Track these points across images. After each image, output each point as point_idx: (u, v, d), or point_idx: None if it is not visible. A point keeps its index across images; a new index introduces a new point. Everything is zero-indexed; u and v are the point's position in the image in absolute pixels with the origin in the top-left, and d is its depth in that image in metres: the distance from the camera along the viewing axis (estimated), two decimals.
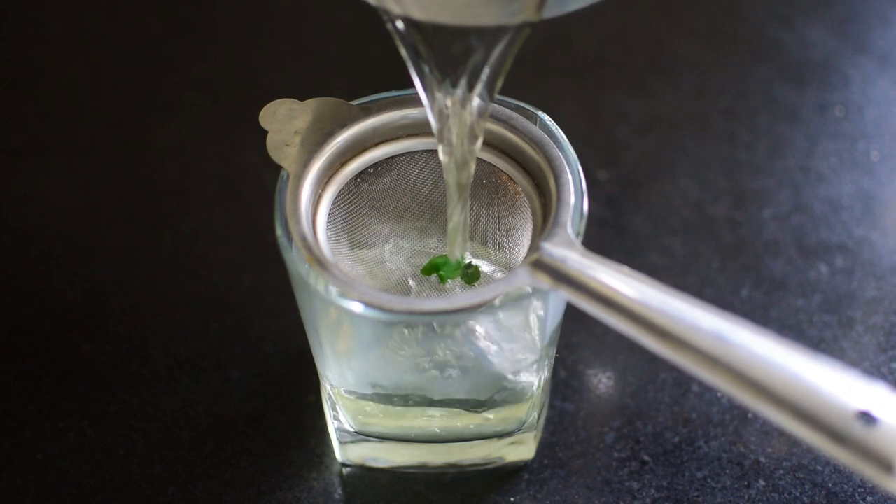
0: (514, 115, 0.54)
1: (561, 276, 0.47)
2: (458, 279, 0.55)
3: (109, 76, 0.80)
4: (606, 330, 0.66)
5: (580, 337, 0.66)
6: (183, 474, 0.61)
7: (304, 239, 0.50)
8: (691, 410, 0.63)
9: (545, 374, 0.57)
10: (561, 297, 0.48)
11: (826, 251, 0.70)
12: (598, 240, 0.70)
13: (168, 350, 0.66)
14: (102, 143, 0.76)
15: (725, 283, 0.68)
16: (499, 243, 0.55)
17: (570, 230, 0.49)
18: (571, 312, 0.56)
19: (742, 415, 0.63)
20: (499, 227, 0.55)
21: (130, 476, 0.61)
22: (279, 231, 0.51)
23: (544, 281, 0.48)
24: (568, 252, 0.48)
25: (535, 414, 0.59)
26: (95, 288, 0.68)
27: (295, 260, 0.51)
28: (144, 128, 0.77)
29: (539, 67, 0.80)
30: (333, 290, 0.54)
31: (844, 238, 0.70)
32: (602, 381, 0.64)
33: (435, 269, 0.55)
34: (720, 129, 0.76)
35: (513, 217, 0.55)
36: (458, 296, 0.50)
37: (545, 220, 0.52)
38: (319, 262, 0.50)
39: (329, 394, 0.58)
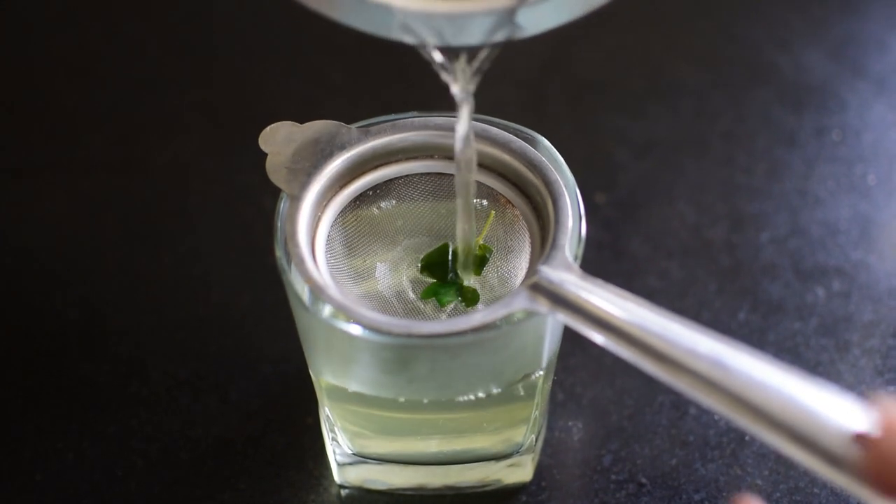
0: (512, 138, 0.54)
1: (559, 300, 0.48)
2: (458, 302, 0.55)
3: (110, 97, 0.80)
4: (604, 352, 0.66)
5: (578, 359, 0.66)
6: (182, 495, 0.61)
7: (302, 261, 0.51)
8: (689, 433, 0.63)
9: (543, 396, 0.57)
10: (559, 320, 0.48)
11: (823, 274, 0.70)
12: (597, 263, 0.70)
13: (167, 371, 0.66)
14: (102, 164, 0.76)
15: (723, 307, 0.68)
16: (497, 267, 0.55)
17: (568, 253, 0.50)
18: (569, 335, 0.56)
19: (739, 437, 0.63)
20: (497, 251, 0.56)
21: (129, 497, 0.61)
22: (279, 253, 0.51)
23: (542, 304, 0.48)
24: (566, 275, 0.48)
25: (533, 436, 0.59)
26: (95, 308, 0.68)
27: (294, 282, 0.51)
28: (144, 148, 0.77)
29: (537, 91, 0.80)
30: (332, 312, 0.54)
31: (841, 261, 0.71)
32: (599, 404, 0.64)
33: (434, 293, 0.55)
34: (718, 153, 0.77)
35: (511, 240, 0.55)
36: (456, 319, 0.50)
37: (543, 244, 0.52)
38: (318, 284, 0.50)
39: (327, 415, 0.58)
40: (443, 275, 0.55)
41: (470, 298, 0.55)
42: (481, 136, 0.54)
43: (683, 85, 0.81)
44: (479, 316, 0.49)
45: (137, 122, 0.78)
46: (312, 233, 0.53)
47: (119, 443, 0.63)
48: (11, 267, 0.71)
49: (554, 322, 0.52)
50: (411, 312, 0.55)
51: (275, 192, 0.53)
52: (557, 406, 0.64)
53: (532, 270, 0.49)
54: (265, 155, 0.53)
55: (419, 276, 0.56)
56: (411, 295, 0.55)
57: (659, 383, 0.65)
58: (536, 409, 0.57)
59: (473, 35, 0.47)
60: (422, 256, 0.56)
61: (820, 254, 0.71)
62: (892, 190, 0.74)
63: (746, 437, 0.63)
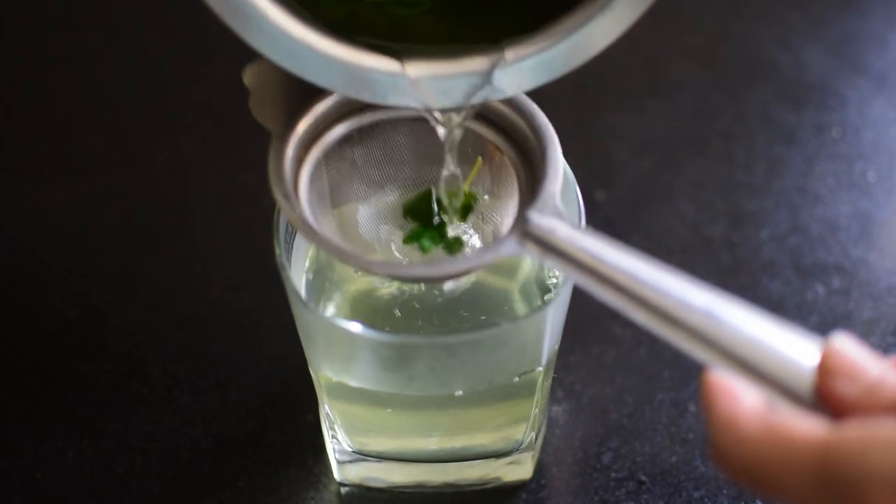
0: None
1: (549, 247, 0.46)
2: (441, 248, 0.54)
3: (109, 96, 0.80)
4: (604, 350, 0.66)
5: (577, 357, 0.66)
6: (181, 493, 0.61)
7: (287, 198, 0.49)
8: (688, 430, 0.63)
9: (543, 394, 0.57)
10: (549, 266, 0.47)
11: (823, 272, 0.70)
12: None
13: (167, 369, 0.66)
14: (102, 163, 0.76)
15: None
16: (482, 214, 0.54)
17: (557, 201, 0.48)
18: (569, 331, 0.56)
19: None
20: (484, 198, 0.54)
21: (129, 495, 0.61)
22: (278, 251, 0.51)
23: (532, 250, 0.47)
24: (556, 222, 0.47)
25: (533, 434, 0.59)
26: (95, 307, 0.68)
27: (293, 279, 0.51)
28: (144, 147, 0.77)
29: (537, 88, 0.80)
30: (330, 308, 0.54)
31: (841, 259, 0.71)
32: (599, 402, 0.64)
33: (417, 238, 0.54)
34: (718, 151, 0.77)
35: (498, 188, 0.54)
36: (442, 262, 0.49)
37: (533, 191, 0.50)
38: (302, 222, 0.49)
39: (327, 413, 0.58)
40: (427, 220, 0.54)
41: (453, 245, 0.54)
42: None
43: (683, 82, 0.81)
44: (467, 260, 0.48)
45: (137, 121, 0.78)
46: (296, 173, 0.51)
47: (119, 441, 0.63)
48: (11, 266, 0.71)
49: (554, 315, 0.52)
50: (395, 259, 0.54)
51: None
52: (557, 404, 0.64)
53: (521, 217, 0.48)
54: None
55: (403, 221, 0.54)
56: (395, 240, 0.54)
57: (658, 380, 0.65)
58: (536, 407, 0.57)
59: (454, 97, 0.47)
60: (405, 201, 0.55)
61: (820, 251, 0.71)
62: (892, 187, 0.74)
63: None
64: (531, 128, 0.52)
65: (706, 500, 0.61)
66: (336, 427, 0.58)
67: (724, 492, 0.61)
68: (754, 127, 0.78)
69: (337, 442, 0.59)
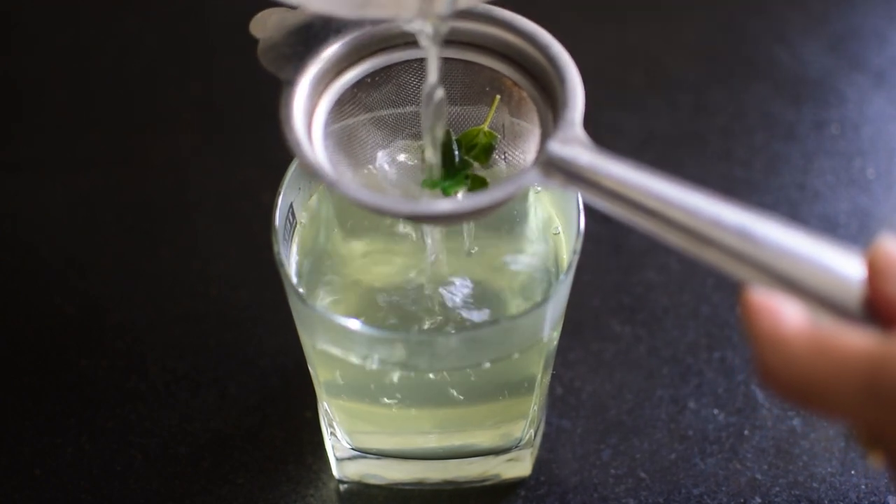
0: (515, 16, 0.51)
1: (573, 175, 0.46)
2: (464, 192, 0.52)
3: (108, 92, 0.80)
4: (603, 347, 0.66)
5: (576, 354, 0.66)
6: (180, 490, 0.61)
7: (299, 145, 0.48)
8: (687, 427, 0.63)
9: (542, 390, 0.57)
10: (575, 194, 0.45)
11: None
12: (595, 256, 0.70)
13: (166, 366, 0.66)
14: (101, 159, 0.76)
15: (722, 301, 0.68)
16: (504, 153, 0.53)
17: (579, 130, 0.47)
18: (568, 328, 0.56)
19: (738, 432, 0.63)
20: (505, 136, 0.53)
21: (128, 491, 0.61)
22: (276, 247, 0.51)
23: (556, 180, 0.46)
24: (579, 150, 0.46)
25: (532, 431, 0.59)
26: (93, 303, 0.68)
27: (292, 275, 0.51)
28: (143, 144, 0.77)
29: None
30: (328, 303, 0.54)
31: None
32: (598, 398, 0.64)
33: (437, 183, 0.52)
34: (717, 147, 0.77)
35: (517, 125, 0.53)
36: (465, 198, 0.48)
37: (553, 122, 0.49)
38: (316, 168, 0.48)
39: (326, 409, 0.58)
40: (447, 163, 0.53)
41: (476, 186, 0.52)
42: (483, 16, 0.51)
43: (682, 79, 0.81)
44: (490, 194, 0.47)
45: (136, 118, 0.78)
46: (308, 120, 0.50)
47: (118, 438, 0.63)
48: (10, 262, 0.71)
49: (554, 306, 0.51)
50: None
51: (273, 187, 0.53)
52: (556, 400, 0.64)
53: (544, 147, 0.47)
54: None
55: (422, 165, 0.53)
56: (415, 184, 0.53)
57: (658, 377, 0.65)
58: (535, 404, 0.57)
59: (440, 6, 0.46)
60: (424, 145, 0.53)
61: None
62: (891, 183, 0.74)
63: (745, 432, 0.63)
64: (547, 59, 0.50)
65: (705, 496, 0.61)
66: (335, 424, 0.58)
67: (724, 489, 0.61)
68: (753, 123, 0.78)
69: (336, 439, 0.59)
